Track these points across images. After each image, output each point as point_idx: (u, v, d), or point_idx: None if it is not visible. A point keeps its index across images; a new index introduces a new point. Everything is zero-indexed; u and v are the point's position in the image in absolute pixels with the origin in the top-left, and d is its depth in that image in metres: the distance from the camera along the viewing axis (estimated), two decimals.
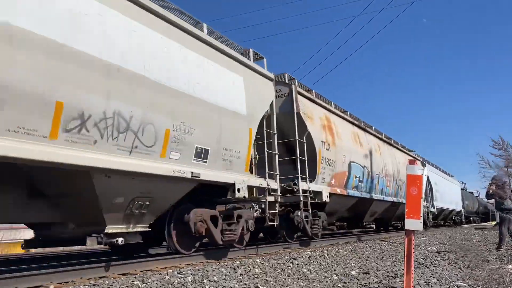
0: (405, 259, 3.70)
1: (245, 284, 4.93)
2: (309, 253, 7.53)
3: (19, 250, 19.33)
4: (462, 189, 35.29)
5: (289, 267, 6.20)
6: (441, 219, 25.91)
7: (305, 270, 6.11)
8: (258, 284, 4.98)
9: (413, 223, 3.58)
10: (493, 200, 10.29)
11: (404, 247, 3.69)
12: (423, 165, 17.96)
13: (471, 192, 41.53)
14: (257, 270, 5.74)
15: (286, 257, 6.90)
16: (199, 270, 5.29)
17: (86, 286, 4.26)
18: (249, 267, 5.82)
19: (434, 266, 6.66)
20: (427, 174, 19.23)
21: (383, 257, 8.15)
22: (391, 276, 5.71)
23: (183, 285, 4.64)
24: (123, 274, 5.02)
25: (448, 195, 26.53)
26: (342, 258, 7.65)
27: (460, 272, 6.27)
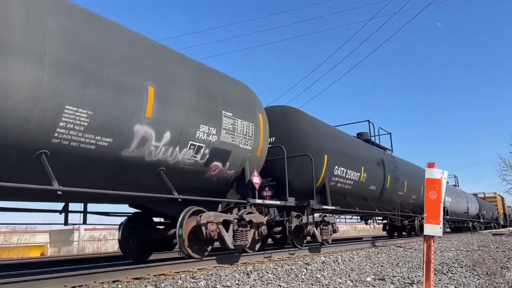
0: (424, 265, 3.59)
1: None
2: (323, 258, 7.42)
3: (34, 253, 19.55)
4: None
5: (303, 273, 6.11)
6: None
7: (319, 275, 6.01)
8: None
9: (432, 228, 3.47)
10: None
11: (423, 253, 3.59)
12: None
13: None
14: (270, 275, 5.67)
15: (300, 262, 6.81)
16: (212, 275, 5.24)
17: None
18: (262, 272, 5.75)
19: (452, 273, 6.51)
20: None
21: (398, 263, 8.00)
22: (408, 282, 5.59)
23: None
24: (136, 279, 5.00)
25: None
26: (357, 264, 7.52)
27: (479, 279, 6.12)
